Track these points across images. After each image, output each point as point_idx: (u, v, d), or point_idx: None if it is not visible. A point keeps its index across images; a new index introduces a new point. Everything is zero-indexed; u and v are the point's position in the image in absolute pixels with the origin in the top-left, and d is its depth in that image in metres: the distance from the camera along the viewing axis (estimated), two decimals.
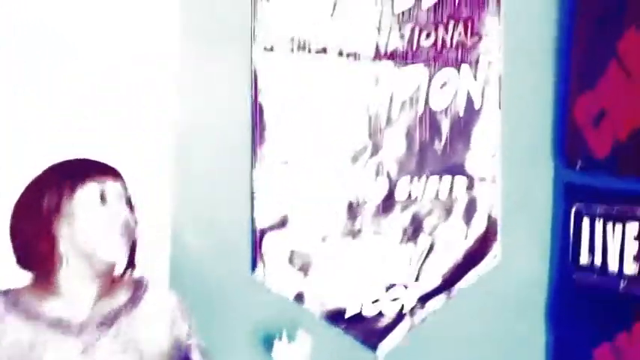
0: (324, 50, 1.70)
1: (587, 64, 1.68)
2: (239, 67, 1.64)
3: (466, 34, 1.77)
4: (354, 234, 1.76)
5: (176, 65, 1.59)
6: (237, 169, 1.65)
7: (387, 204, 1.77)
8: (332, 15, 1.69)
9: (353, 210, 1.75)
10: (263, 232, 1.67)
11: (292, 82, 1.67)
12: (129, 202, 1.09)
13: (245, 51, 1.63)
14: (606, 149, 1.61)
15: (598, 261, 1.64)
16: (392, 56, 1.75)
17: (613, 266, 1.59)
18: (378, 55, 1.74)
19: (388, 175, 1.77)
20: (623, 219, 1.56)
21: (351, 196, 1.74)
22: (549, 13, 1.81)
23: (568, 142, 1.77)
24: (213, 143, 1.63)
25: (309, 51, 1.68)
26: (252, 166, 1.65)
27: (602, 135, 1.63)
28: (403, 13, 1.74)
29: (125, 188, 1.09)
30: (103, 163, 1.10)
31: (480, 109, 1.79)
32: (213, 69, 1.62)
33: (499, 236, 1.82)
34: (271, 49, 1.65)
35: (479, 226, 1.82)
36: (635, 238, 1.51)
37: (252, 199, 1.66)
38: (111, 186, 1.07)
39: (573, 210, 1.75)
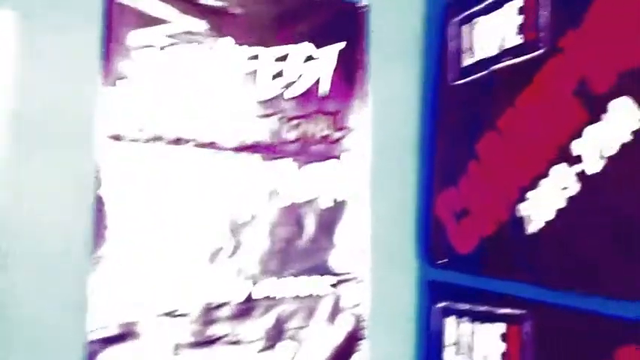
0: (179, 141, 1.56)
1: (450, 161, 1.69)
2: (80, 158, 1.45)
3: (333, 127, 1.73)
4: (211, 342, 1.58)
5: (8, 159, 1.38)
6: (72, 272, 1.43)
7: (248, 307, 1.63)
8: (189, 103, 1.58)
9: (210, 315, 1.58)
10: (100, 346, 1.44)
11: (141, 175, 1.50)
12: None
13: (87, 140, 1.46)
14: (470, 246, 1.60)
15: None
16: (256, 148, 1.65)
17: None
18: (240, 147, 1.64)
19: (249, 276, 1.63)
20: (488, 319, 1.53)
21: (207, 300, 1.58)
22: (413, 112, 1.83)
23: (432, 239, 1.75)
24: (44, 243, 1.41)
25: (162, 141, 1.53)
26: (91, 268, 1.44)
27: (465, 232, 1.62)
28: (267, 102, 1.67)
29: None
30: None
31: (346, 206, 1.73)
32: (50, 160, 1.42)
33: (366, 336, 1.73)
34: (117, 138, 1.49)
35: (345, 326, 1.72)
36: (502, 339, 1.48)
37: (86, 307, 1.43)
38: None
39: (438, 308, 1.71)
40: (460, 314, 1.63)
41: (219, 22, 1.62)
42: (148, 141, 1.52)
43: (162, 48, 1.55)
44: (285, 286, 1.66)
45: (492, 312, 1.52)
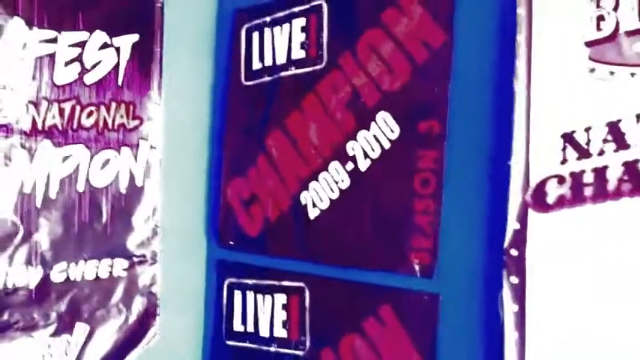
0: None
1: (239, 153, 1.88)
2: None
3: (128, 116, 1.80)
4: (3, 329, 1.56)
5: None
6: None
7: (41, 292, 1.63)
8: None
9: (1, 302, 1.56)
10: None
11: None
12: None
13: None
14: (257, 229, 1.82)
15: (250, 328, 1.82)
16: (50, 133, 1.65)
17: (264, 332, 1.78)
18: (34, 132, 1.62)
19: (42, 261, 1.64)
20: (272, 291, 1.77)
21: None
22: (205, 106, 1.98)
23: (221, 223, 1.93)
24: None
25: None
26: None
27: (253, 217, 1.83)
28: (64, 87, 1.67)
29: None
30: None
31: (141, 191, 1.82)
32: None
33: (159, 313, 1.85)
34: None
35: (140, 306, 1.82)
36: (283, 308, 1.74)
37: None
38: None
39: (226, 284, 1.91)
40: (246, 289, 1.85)
41: (10, 1, 1.58)
42: None
43: None
44: (80, 270, 1.70)
45: (275, 285, 1.77)
